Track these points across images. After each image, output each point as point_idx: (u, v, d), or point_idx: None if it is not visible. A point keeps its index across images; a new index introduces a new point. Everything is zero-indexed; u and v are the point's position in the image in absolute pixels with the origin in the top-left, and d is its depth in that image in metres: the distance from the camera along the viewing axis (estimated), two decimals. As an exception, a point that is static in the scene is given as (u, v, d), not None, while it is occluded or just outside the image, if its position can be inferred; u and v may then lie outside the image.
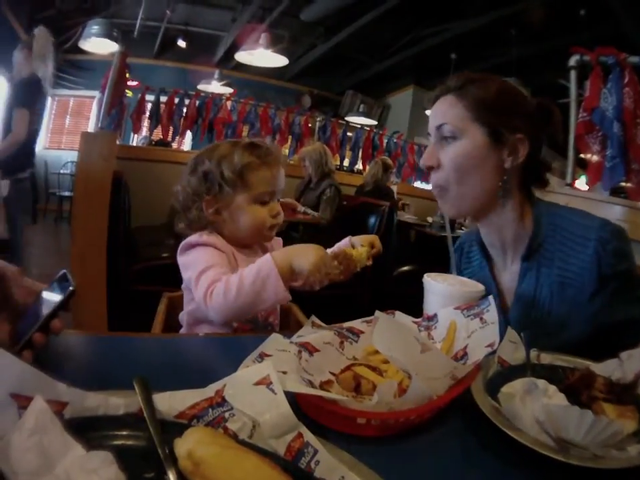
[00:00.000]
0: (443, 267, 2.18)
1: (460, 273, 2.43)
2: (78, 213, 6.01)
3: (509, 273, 2.23)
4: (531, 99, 2.09)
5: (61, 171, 15.38)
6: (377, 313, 1.46)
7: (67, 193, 15.14)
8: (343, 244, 2.39)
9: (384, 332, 1.36)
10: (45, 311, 1.38)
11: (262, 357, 1.37)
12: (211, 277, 2.08)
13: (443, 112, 2.08)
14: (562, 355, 1.65)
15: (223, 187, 2.31)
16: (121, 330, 2.01)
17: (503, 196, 2.06)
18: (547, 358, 1.63)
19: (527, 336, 1.64)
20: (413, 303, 2.06)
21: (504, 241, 2.19)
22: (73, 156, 14.98)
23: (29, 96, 6.62)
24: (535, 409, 1.24)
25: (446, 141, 2.04)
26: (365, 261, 2.17)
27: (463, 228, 8.86)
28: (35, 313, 1.41)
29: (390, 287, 6.85)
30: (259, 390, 1.10)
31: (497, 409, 1.29)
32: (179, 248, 2.33)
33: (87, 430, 0.98)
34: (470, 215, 2.18)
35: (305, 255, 1.97)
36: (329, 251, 2.15)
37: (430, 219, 10.04)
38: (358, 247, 2.28)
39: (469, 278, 2.17)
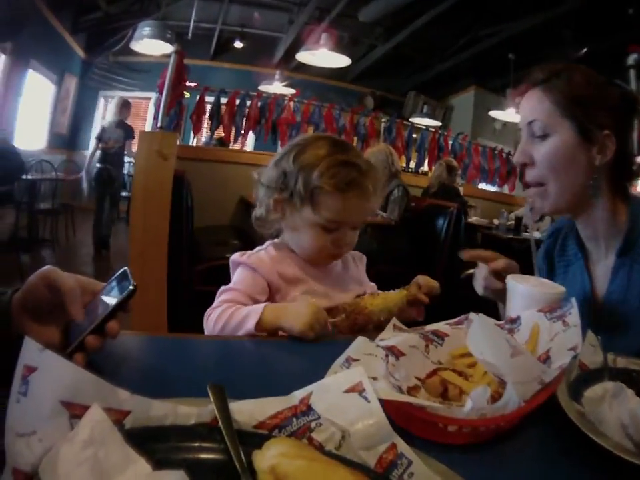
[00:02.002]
0: None
1: (552, 259, 2.41)
2: (137, 212, 6.01)
3: (603, 267, 2.18)
4: (614, 89, 2.02)
5: (118, 171, 15.50)
6: (472, 314, 1.41)
7: (124, 193, 15.24)
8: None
9: (477, 334, 1.31)
10: (102, 311, 1.31)
11: (349, 361, 1.30)
12: (221, 299, 2.10)
13: (532, 108, 2.05)
14: (636, 359, 1.60)
15: (293, 196, 2.19)
16: (182, 332, 1.91)
17: (594, 193, 2.02)
18: (622, 362, 1.57)
19: (604, 339, 1.58)
20: (480, 305, 1.99)
21: (598, 236, 2.15)
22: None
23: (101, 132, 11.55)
24: (620, 413, 1.21)
25: (537, 137, 2.02)
26: (393, 308, 2.07)
27: (528, 231, 8.82)
28: (90, 314, 1.32)
29: (457, 289, 6.76)
30: (350, 398, 1.03)
31: (582, 414, 1.24)
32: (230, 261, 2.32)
33: (152, 441, 0.90)
34: (565, 211, 2.18)
35: (297, 316, 1.85)
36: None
37: (496, 221, 10.07)
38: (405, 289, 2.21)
39: (563, 267, 2.27)
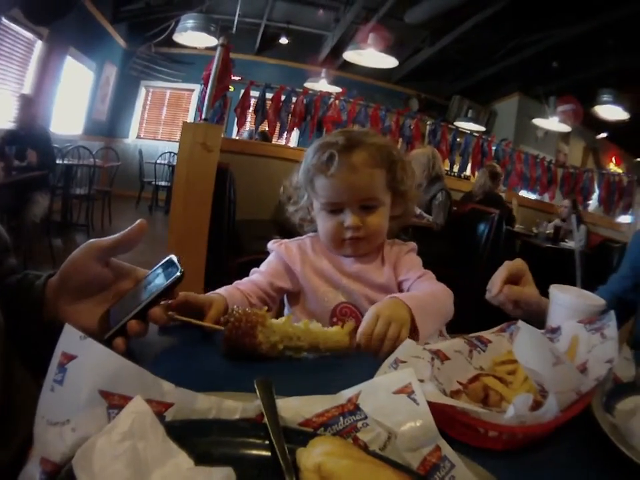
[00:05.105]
0: (546, 278, 2.08)
1: None
2: (177, 202, 6.05)
3: None
4: None
5: (158, 161, 15.62)
6: (520, 322, 1.40)
7: (163, 183, 15.36)
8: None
9: (524, 342, 1.30)
10: (145, 296, 1.31)
11: (397, 362, 1.30)
12: (246, 278, 2.22)
13: None
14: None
15: (305, 191, 2.29)
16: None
17: None
18: None
19: (639, 354, 1.58)
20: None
21: None
22: (170, 146, 15.36)
23: None
24: None
25: None
26: (316, 340, 1.52)
27: (565, 240, 8.79)
28: (133, 299, 1.33)
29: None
30: (399, 399, 1.03)
31: (615, 426, 1.23)
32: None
33: (193, 435, 0.90)
34: None
35: None
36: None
37: (535, 230, 10.02)
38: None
39: None
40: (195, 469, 0.80)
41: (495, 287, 1.99)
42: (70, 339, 0.89)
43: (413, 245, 2.41)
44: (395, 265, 2.28)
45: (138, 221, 1.36)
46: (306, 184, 2.24)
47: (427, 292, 2.05)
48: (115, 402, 0.86)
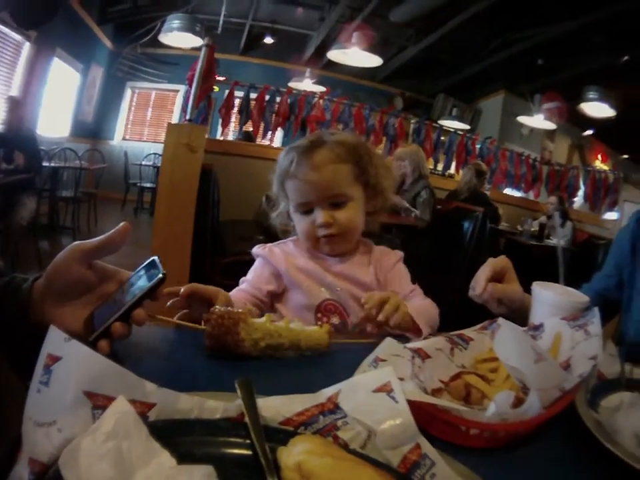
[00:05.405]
0: (530, 276, 2.08)
1: (635, 244, 2.41)
2: (162, 203, 6.02)
3: None
4: None
5: (143, 162, 15.64)
6: (500, 320, 1.41)
7: (148, 184, 15.33)
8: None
9: (505, 340, 1.31)
10: (129, 298, 1.31)
11: (377, 361, 1.31)
12: (235, 288, 2.24)
13: None
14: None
15: (278, 195, 2.39)
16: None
17: None
18: (639, 372, 1.57)
19: (623, 350, 1.57)
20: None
21: None
22: (155, 148, 15.35)
23: None
24: (636, 423, 1.21)
25: None
26: (297, 339, 1.52)
27: (550, 238, 8.78)
28: (116, 301, 1.33)
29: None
30: (378, 397, 1.04)
31: (599, 423, 1.23)
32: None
33: (175, 435, 0.90)
34: None
35: None
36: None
37: (520, 227, 10.01)
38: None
39: None
40: (177, 468, 0.80)
41: (479, 285, 1.98)
42: (55, 340, 0.89)
43: (401, 254, 2.45)
44: (385, 276, 2.33)
45: (122, 224, 1.36)
46: (279, 189, 2.31)
47: (418, 304, 2.10)
48: (99, 402, 0.87)
